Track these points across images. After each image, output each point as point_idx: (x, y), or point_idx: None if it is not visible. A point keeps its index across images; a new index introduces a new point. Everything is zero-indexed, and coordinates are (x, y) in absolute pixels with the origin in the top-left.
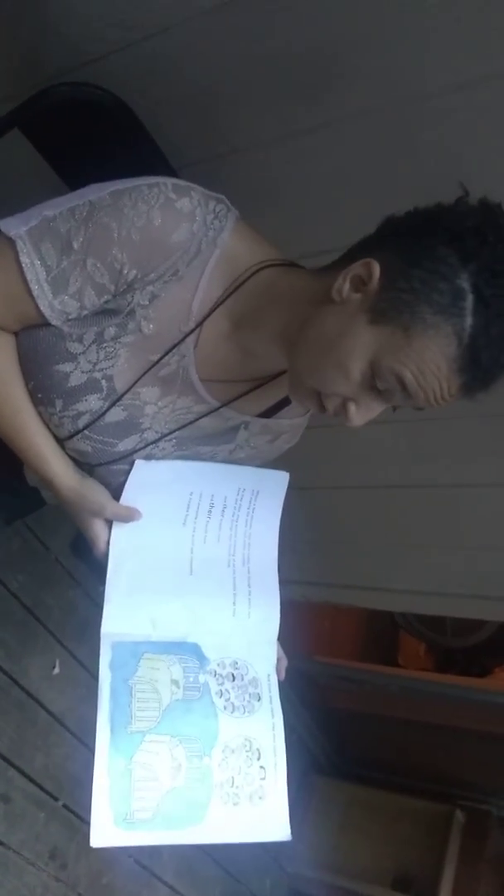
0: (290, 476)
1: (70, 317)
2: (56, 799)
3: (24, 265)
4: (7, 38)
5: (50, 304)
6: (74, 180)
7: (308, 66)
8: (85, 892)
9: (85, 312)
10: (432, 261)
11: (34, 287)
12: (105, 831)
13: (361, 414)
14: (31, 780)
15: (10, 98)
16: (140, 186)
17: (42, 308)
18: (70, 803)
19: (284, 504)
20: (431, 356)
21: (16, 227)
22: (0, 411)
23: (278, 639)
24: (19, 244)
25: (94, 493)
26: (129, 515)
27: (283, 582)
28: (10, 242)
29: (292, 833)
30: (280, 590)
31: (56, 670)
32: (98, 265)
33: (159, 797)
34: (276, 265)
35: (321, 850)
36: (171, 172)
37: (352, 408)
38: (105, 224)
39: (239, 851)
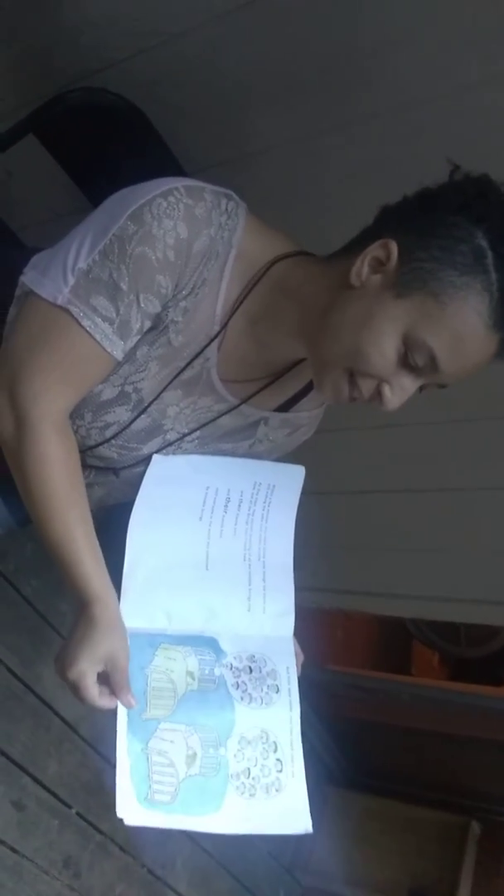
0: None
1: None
2: (70, 807)
3: (88, 328)
4: (23, 45)
5: (124, 349)
6: (89, 185)
7: (320, 70)
8: None
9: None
10: (446, 228)
11: (107, 344)
12: (129, 805)
13: (396, 395)
14: (45, 788)
15: (26, 104)
16: (155, 199)
17: (119, 357)
18: (83, 811)
19: (297, 509)
20: (467, 317)
21: (54, 290)
22: (51, 521)
23: (294, 635)
24: (73, 310)
25: (122, 638)
26: (127, 698)
27: (296, 589)
28: (63, 311)
29: (307, 845)
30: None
31: None
32: (149, 297)
33: (177, 783)
34: (288, 256)
35: (335, 862)
36: (184, 175)
37: (386, 390)
38: (141, 254)
39: (253, 862)
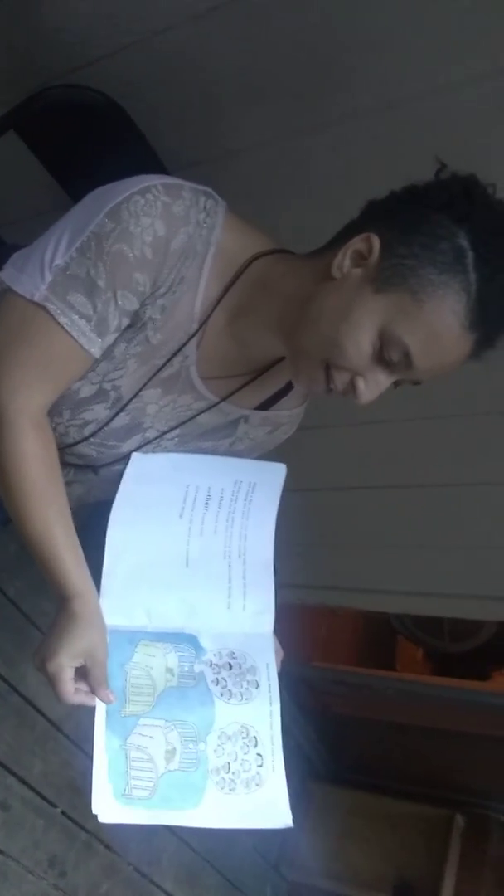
0: (286, 477)
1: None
2: (55, 806)
3: (65, 325)
4: (2, 41)
5: (101, 346)
6: (69, 182)
7: (304, 67)
8: None
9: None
10: (429, 225)
11: (84, 342)
12: (105, 801)
13: (370, 388)
14: (30, 787)
15: (5, 101)
16: (133, 196)
17: (96, 354)
18: (69, 810)
19: (280, 506)
20: (443, 316)
21: (31, 287)
22: (30, 519)
23: (274, 633)
24: (50, 307)
25: (101, 633)
26: (105, 693)
27: (279, 585)
28: (39, 307)
29: (292, 840)
30: (276, 593)
31: None
32: (126, 294)
33: (156, 778)
34: (268, 254)
35: (321, 858)
36: (166, 173)
37: (360, 383)
38: (118, 251)
39: (239, 859)
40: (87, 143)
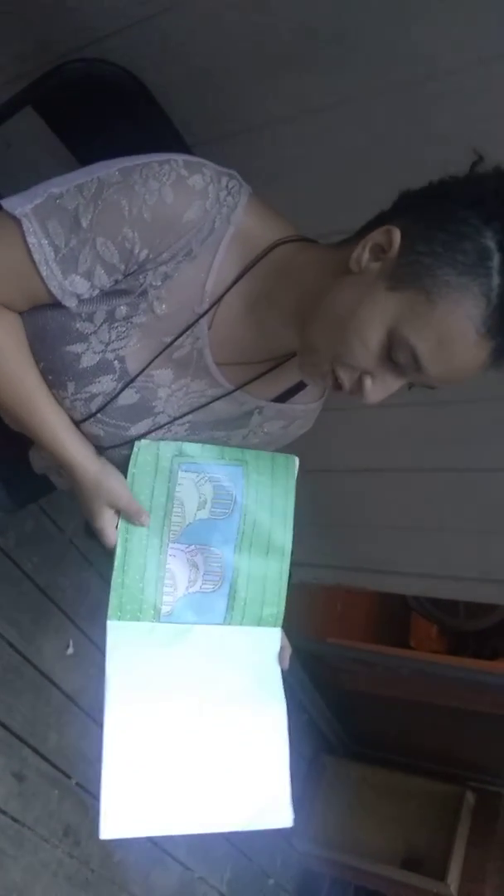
0: (304, 458)
1: (81, 297)
2: (69, 777)
3: (31, 245)
4: (20, 15)
5: (60, 285)
6: (88, 157)
7: (323, 42)
8: (98, 868)
9: (96, 292)
10: (454, 223)
11: (42, 268)
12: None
13: (377, 389)
14: (45, 759)
15: (23, 75)
16: (151, 163)
17: (52, 289)
18: (83, 781)
19: (298, 486)
20: (456, 321)
21: (20, 204)
22: (13, 393)
23: (283, 627)
24: (25, 223)
25: (113, 480)
26: (139, 515)
27: (296, 564)
28: (16, 221)
29: (304, 812)
30: (292, 572)
31: (70, 650)
32: (108, 244)
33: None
34: (291, 241)
35: (331, 830)
36: (185, 149)
37: (367, 383)
38: (115, 202)
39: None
40: (105, 117)
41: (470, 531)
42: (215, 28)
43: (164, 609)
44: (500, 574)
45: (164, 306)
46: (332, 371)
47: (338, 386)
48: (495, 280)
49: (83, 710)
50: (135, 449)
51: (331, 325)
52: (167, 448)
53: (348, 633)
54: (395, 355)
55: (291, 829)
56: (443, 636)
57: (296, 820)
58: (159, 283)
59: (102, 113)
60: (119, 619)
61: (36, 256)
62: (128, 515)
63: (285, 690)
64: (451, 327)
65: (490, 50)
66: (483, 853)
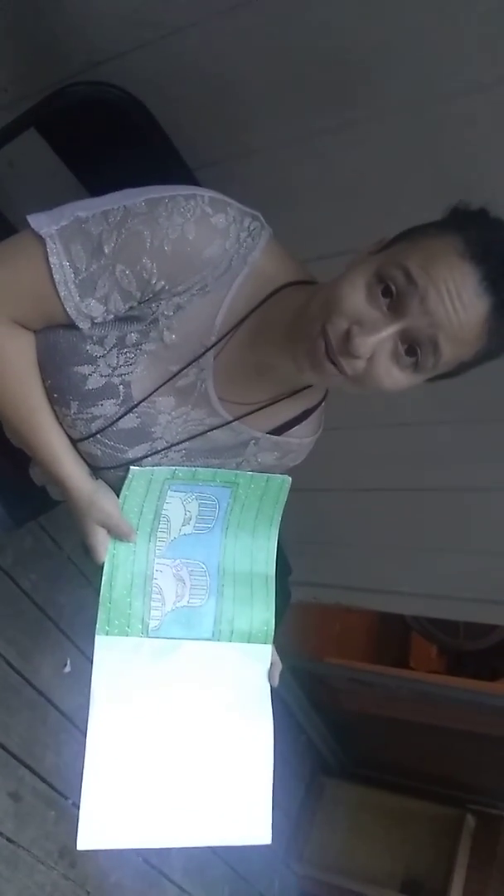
0: (303, 477)
1: (95, 320)
2: (66, 797)
3: (52, 265)
4: (23, 37)
5: (76, 307)
6: (90, 180)
7: (325, 67)
8: (94, 890)
9: (110, 317)
10: (431, 225)
11: (61, 288)
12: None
13: (366, 332)
14: (42, 779)
15: (26, 97)
16: (177, 197)
17: (68, 309)
18: (80, 802)
19: (295, 506)
20: (441, 247)
21: (46, 224)
22: (16, 409)
23: (278, 645)
24: (49, 244)
25: (105, 501)
26: (128, 536)
27: (295, 583)
28: (40, 241)
29: (302, 834)
30: (291, 591)
31: (67, 669)
32: (127, 272)
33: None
34: (300, 283)
35: (330, 853)
36: (188, 172)
37: (355, 329)
38: (138, 232)
39: (247, 851)
40: (108, 140)
41: (470, 551)
42: (218, 52)
43: (153, 623)
44: (500, 594)
45: (173, 336)
46: (323, 332)
47: (327, 355)
48: (471, 233)
49: (80, 729)
50: (129, 475)
51: (323, 293)
52: (161, 473)
53: (347, 653)
54: (387, 276)
55: (289, 851)
56: (442, 656)
57: (293, 842)
58: (171, 314)
59: (105, 135)
60: (107, 634)
61: (56, 277)
62: (117, 535)
63: (283, 711)
64: (435, 248)
65: (489, 77)
66: (484, 877)
